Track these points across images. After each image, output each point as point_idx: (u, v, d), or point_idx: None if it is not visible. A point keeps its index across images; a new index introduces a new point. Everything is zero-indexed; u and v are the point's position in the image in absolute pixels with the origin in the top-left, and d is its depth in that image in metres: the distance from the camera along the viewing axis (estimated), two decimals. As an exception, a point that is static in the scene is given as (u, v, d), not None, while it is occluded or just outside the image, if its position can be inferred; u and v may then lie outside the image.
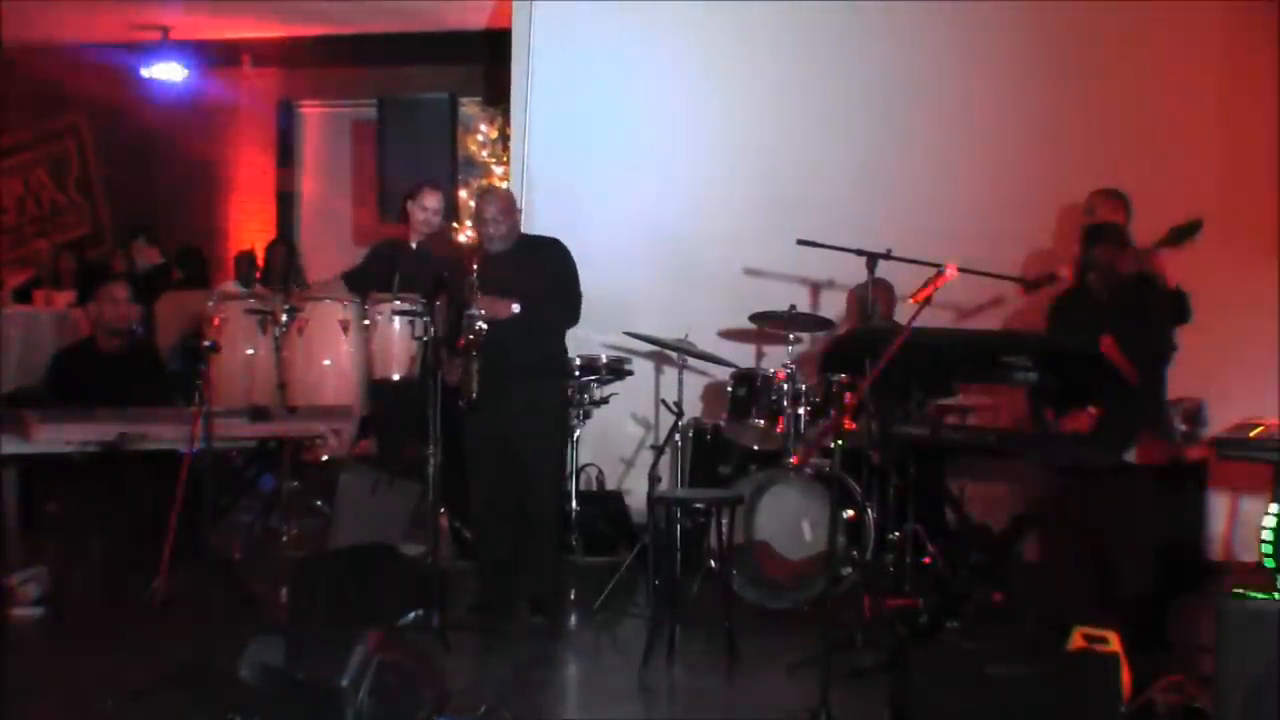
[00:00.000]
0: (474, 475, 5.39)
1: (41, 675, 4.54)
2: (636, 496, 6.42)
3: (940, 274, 4.26)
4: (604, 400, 6.51)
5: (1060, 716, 3.79)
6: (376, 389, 6.06)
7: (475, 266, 5.16)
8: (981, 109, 6.77)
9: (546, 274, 5.29)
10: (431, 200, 6.28)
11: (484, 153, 8.46)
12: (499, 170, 8.29)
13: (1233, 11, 6.46)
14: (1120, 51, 6.61)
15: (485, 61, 9.23)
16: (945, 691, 3.81)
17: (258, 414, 5.53)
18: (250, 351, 5.95)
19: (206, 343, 5.54)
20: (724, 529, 5.10)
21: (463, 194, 8.00)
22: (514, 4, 7.38)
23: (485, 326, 5.12)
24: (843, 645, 4.77)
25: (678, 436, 5.84)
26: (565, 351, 5.59)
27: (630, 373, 6.57)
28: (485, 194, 5.60)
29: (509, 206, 5.35)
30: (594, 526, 6.43)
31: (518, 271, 5.24)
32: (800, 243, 5.60)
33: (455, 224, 7.82)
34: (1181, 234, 5.35)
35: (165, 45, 10.40)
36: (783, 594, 5.53)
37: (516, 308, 5.16)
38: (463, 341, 5.12)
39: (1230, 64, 6.46)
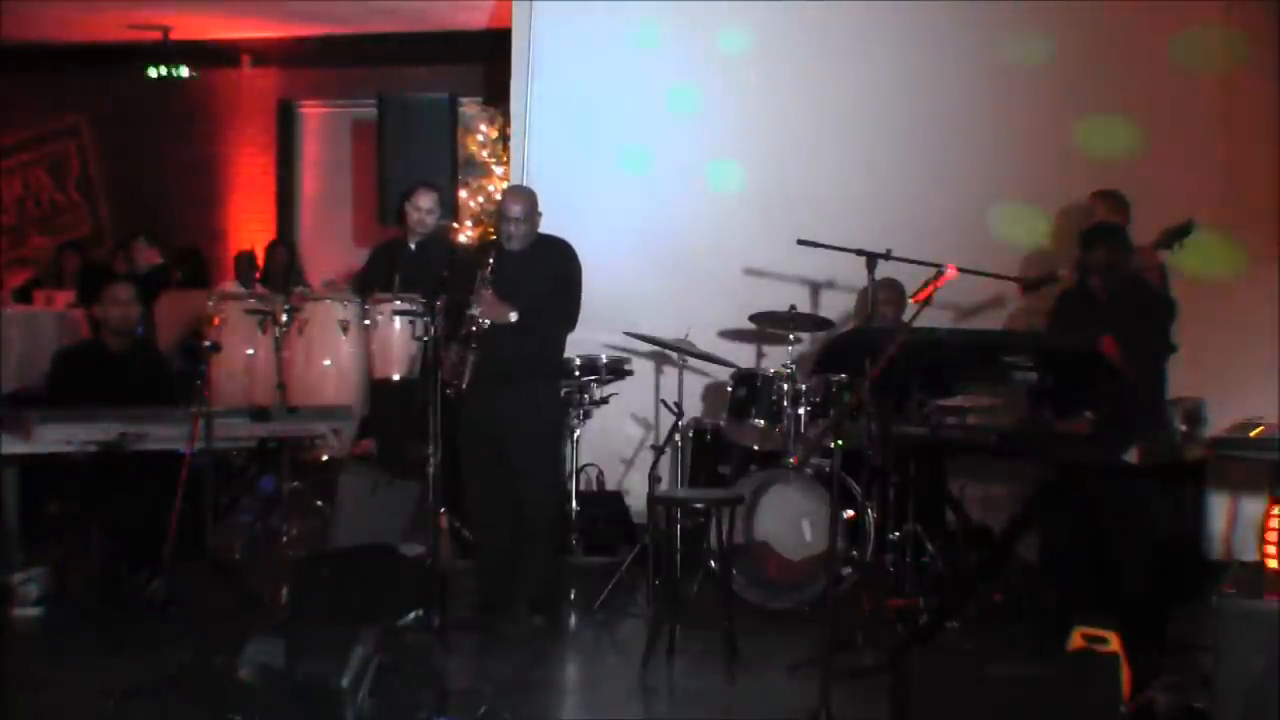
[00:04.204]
0: (468, 475, 5.40)
1: (41, 675, 4.55)
2: (636, 496, 6.42)
3: (940, 274, 4.26)
4: (604, 400, 6.51)
5: (1060, 716, 3.79)
6: (376, 389, 6.06)
7: (491, 261, 5.17)
8: (982, 109, 6.76)
9: (552, 276, 5.30)
10: (425, 200, 6.27)
11: (484, 153, 8.46)
12: (499, 170, 8.29)
13: (1233, 12, 6.46)
14: (1120, 51, 6.60)
15: (485, 61, 9.24)
16: (945, 691, 3.81)
17: (258, 414, 5.53)
18: (250, 351, 5.95)
19: (206, 343, 5.54)
20: (724, 529, 5.10)
21: (463, 194, 8.00)
22: (514, 4, 7.39)
23: (487, 322, 5.13)
24: (843, 645, 4.77)
25: (678, 436, 5.84)
26: (561, 353, 5.59)
27: (630, 373, 6.58)
28: (512, 192, 5.56)
29: (533, 208, 5.33)
30: (594, 526, 6.43)
31: (528, 271, 5.25)
32: (800, 243, 5.61)
33: (455, 224, 7.82)
34: (1173, 236, 5.36)
35: (165, 45, 10.40)
36: (783, 594, 5.53)
37: (514, 316, 5.17)
38: (464, 331, 5.13)
39: (1230, 64, 6.45)
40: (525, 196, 5.40)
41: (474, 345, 5.14)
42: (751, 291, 6.60)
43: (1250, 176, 6.35)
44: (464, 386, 5.14)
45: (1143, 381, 4.71)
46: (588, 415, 6.47)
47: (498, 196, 7.91)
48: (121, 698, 4.15)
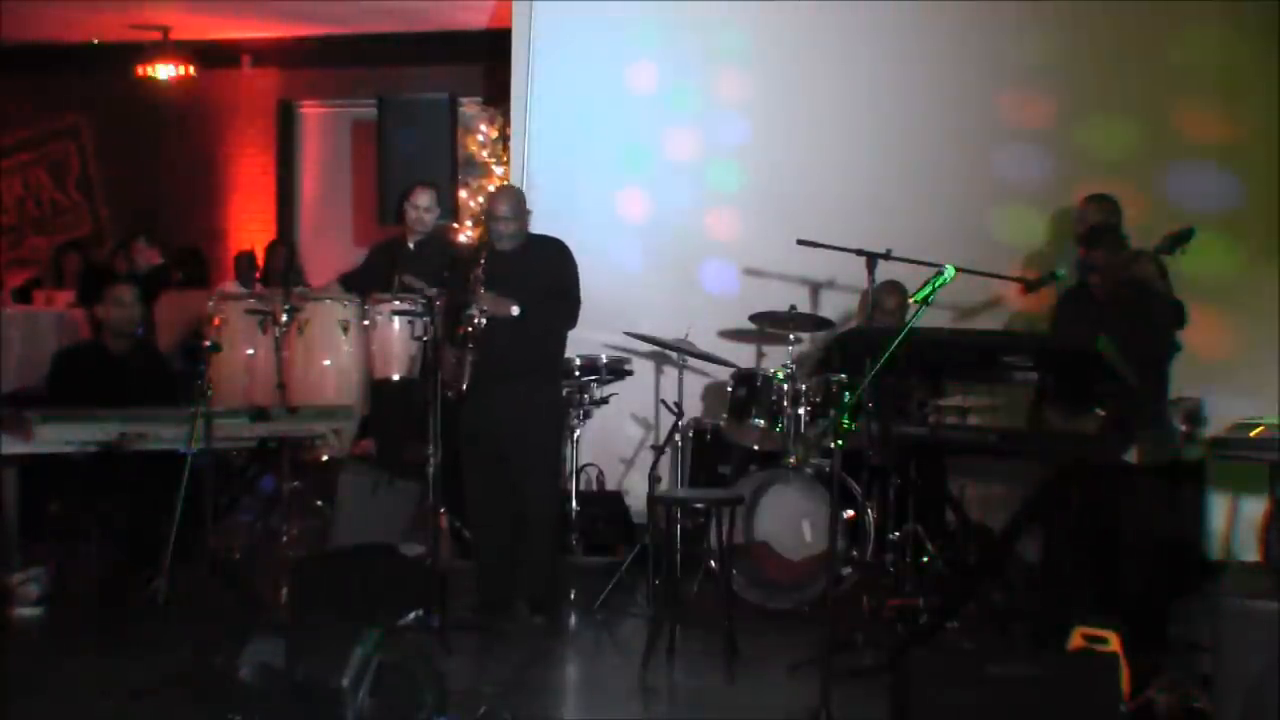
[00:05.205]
0: (467, 475, 5.39)
1: (41, 675, 4.55)
2: (636, 496, 6.42)
3: (940, 274, 4.25)
4: (604, 400, 6.51)
5: (1060, 716, 3.79)
6: (376, 389, 6.06)
7: (482, 261, 5.18)
8: (981, 110, 6.76)
9: (548, 276, 5.30)
10: (422, 198, 6.28)
11: (484, 153, 8.47)
12: (499, 170, 8.29)
13: (1233, 11, 6.46)
14: (1120, 51, 6.60)
15: (485, 61, 9.24)
16: (945, 691, 3.81)
17: (258, 414, 5.53)
18: (250, 351, 5.95)
19: (207, 343, 5.54)
20: (724, 529, 5.10)
21: (463, 194, 8.00)
22: (514, 4, 7.38)
23: (484, 322, 5.14)
24: (843, 645, 4.77)
25: (678, 436, 5.83)
26: (562, 353, 5.59)
27: (630, 373, 6.58)
28: (498, 192, 5.63)
29: (520, 206, 5.35)
30: (594, 526, 6.43)
31: (522, 271, 5.25)
32: (800, 243, 5.60)
33: (455, 223, 7.82)
34: (1175, 241, 5.38)
35: (165, 45, 10.41)
36: (783, 594, 5.53)
37: (516, 309, 5.17)
38: (461, 330, 5.14)
39: (1230, 64, 6.45)
40: (511, 195, 5.42)
41: (470, 346, 5.14)
42: (751, 291, 6.60)
43: (1250, 177, 6.35)
44: (464, 388, 5.15)
45: (1144, 381, 4.71)
46: (588, 415, 6.47)
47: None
48: (131, 698, 4.15)
